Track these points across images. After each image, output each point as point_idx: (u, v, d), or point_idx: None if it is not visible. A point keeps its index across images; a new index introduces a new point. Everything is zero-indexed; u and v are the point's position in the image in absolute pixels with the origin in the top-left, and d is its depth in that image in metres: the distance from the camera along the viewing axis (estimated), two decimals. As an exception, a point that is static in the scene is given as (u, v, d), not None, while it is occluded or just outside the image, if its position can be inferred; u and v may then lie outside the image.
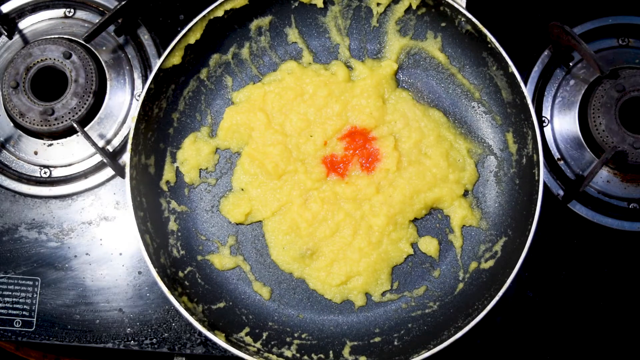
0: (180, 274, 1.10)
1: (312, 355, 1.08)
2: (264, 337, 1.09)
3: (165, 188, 1.15)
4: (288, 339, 1.10)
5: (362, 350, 1.08)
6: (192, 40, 1.11)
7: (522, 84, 1.05)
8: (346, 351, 1.08)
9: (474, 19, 1.06)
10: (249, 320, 1.11)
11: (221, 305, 1.11)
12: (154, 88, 1.09)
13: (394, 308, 1.13)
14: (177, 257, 1.12)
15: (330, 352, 1.08)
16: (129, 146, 1.06)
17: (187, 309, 1.01)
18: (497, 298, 0.99)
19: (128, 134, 1.10)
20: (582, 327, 1.14)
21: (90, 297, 1.16)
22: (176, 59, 1.11)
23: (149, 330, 1.14)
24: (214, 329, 1.03)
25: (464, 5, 1.09)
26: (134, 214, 1.04)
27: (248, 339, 1.08)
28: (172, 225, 1.13)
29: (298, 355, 1.07)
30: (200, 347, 1.14)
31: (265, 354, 1.05)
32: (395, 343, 1.08)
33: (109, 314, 1.15)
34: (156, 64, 1.09)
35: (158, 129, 1.14)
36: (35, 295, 1.15)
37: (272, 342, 1.09)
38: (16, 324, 1.14)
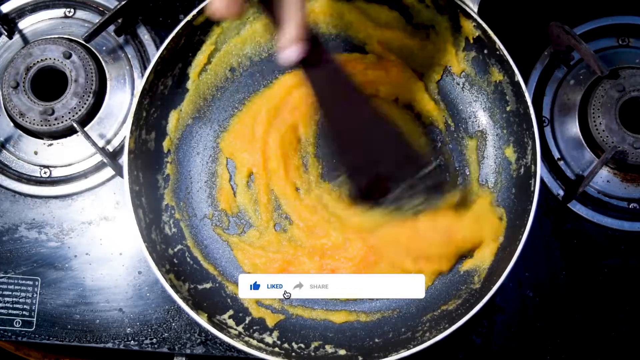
0: (170, 251, 1.10)
1: (293, 344, 1.07)
2: (246, 322, 1.09)
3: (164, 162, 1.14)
4: (270, 326, 1.09)
5: (343, 344, 1.08)
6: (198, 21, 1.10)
7: (526, 94, 1.04)
8: (327, 343, 1.08)
9: (484, 25, 1.05)
10: (233, 304, 1.10)
11: (207, 286, 1.11)
12: (160, 64, 1.08)
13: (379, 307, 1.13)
14: (168, 234, 1.11)
15: (312, 342, 1.08)
16: (130, 119, 1.05)
17: (172, 285, 1.01)
18: (474, 311, 0.97)
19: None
20: (582, 327, 1.14)
21: (90, 297, 1.15)
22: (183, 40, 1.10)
23: (149, 330, 1.14)
24: (198, 308, 1.02)
25: (476, 10, 1.08)
26: (129, 188, 1.03)
27: (230, 322, 1.07)
28: (167, 202, 1.13)
29: (279, 342, 1.07)
30: (200, 347, 1.14)
31: (246, 338, 1.05)
32: (377, 340, 1.08)
33: (109, 314, 1.15)
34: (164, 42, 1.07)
35: (161, 106, 1.13)
36: (35, 295, 1.15)
37: (254, 327, 1.08)
38: (16, 324, 1.14)
